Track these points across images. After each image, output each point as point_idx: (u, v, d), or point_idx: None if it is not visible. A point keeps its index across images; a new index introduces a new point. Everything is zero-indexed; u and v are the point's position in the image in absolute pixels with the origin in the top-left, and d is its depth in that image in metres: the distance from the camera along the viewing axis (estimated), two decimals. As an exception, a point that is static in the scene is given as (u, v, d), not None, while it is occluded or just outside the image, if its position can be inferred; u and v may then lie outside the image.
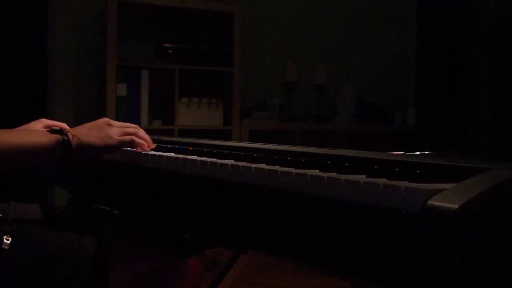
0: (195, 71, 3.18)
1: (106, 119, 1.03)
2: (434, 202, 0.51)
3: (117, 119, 3.14)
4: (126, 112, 3.01)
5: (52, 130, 0.95)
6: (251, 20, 3.48)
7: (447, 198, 0.51)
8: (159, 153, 1.01)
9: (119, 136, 1.02)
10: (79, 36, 3.19)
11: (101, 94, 3.01)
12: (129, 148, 1.07)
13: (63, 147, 0.93)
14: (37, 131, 0.97)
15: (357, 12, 3.92)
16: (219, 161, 0.81)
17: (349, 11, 3.91)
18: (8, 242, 0.91)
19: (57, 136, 0.94)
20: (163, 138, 1.38)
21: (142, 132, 1.08)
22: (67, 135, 0.94)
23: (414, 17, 4.14)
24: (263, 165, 0.75)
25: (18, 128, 1.13)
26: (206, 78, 3.31)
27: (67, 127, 1.19)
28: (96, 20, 3.18)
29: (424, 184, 0.57)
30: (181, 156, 0.91)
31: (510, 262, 0.56)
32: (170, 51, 3.12)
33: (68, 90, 3.17)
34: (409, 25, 4.14)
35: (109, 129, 1.01)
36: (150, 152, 1.03)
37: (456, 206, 0.50)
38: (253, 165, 0.74)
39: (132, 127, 1.07)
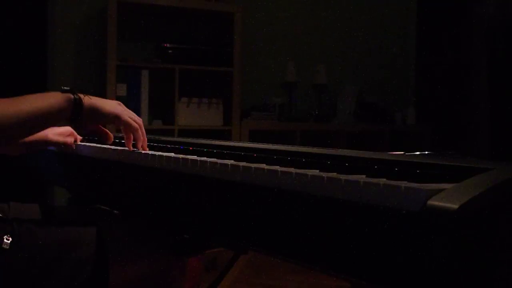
0: (195, 71, 3.18)
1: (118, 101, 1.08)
2: (434, 202, 0.51)
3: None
4: (126, 112, 3.01)
5: (63, 90, 0.98)
6: (251, 20, 3.48)
7: (447, 198, 0.51)
8: (159, 153, 1.01)
9: (128, 116, 1.05)
10: (79, 36, 3.19)
11: (101, 94, 3.00)
12: (125, 148, 1.07)
13: (74, 105, 0.97)
14: (49, 93, 1.00)
15: (357, 12, 3.92)
16: (219, 161, 0.81)
17: (349, 11, 3.91)
18: (9, 242, 0.91)
19: (68, 95, 0.97)
20: (163, 138, 1.38)
21: (143, 131, 1.10)
22: (77, 95, 0.98)
23: (414, 17, 4.14)
24: (263, 165, 0.75)
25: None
26: (206, 78, 3.31)
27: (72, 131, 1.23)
28: (96, 20, 3.18)
29: (424, 184, 0.57)
30: (181, 156, 0.91)
31: (510, 262, 0.56)
32: (170, 51, 3.12)
33: (68, 90, 3.16)
34: (409, 25, 4.14)
35: (121, 105, 1.06)
36: (150, 152, 1.03)
37: (456, 206, 0.50)
38: (253, 165, 0.74)
39: (139, 121, 1.08)
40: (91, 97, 1.01)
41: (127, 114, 1.05)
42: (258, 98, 3.52)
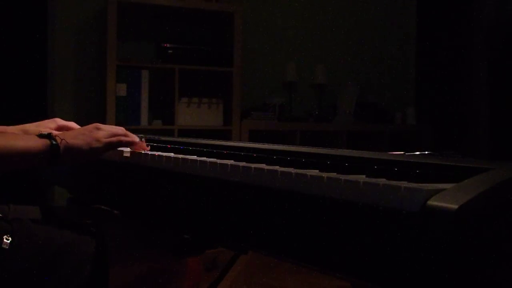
0: (195, 71, 3.18)
1: (96, 124, 1.06)
2: (434, 202, 0.51)
3: (117, 119, 3.10)
4: (126, 112, 3.01)
5: (40, 135, 0.96)
6: (251, 20, 3.48)
7: (447, 198, 0.51)
8: (159, 153, 1.01)
9: (106, 138, 1.03)
10: (79, 36, 3.19)
11: (101, 94, 3.01)
12: (123, 149, 1.07)
13: (51, 151, 0.95)
14: (26, 135, 0.99)
15: (357, 12, 3.92)
16: (219, 161, 0.81)
17: (349, 11, 3.91)
18: (8, 241, 0.91)
19: (46, 141, 0.95)
20: (163, 138, 1.38)
21: (131, 135, 1.09)
22: (55, 140, 0.96)
23: (414, 17, 4.14)
24: (263, 165, 0.75)
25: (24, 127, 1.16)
26: (206, 78, 3.31)
27: (76, 126, 1.21)
28: (96, 20, 3.18)
29: (424, 184, 0.57)
30: (181, 156, 0.91)
31: (510, 262, 0.56)
32: (170, 51, 3.12)
33: (68, 90, 3.17)
34: (409, 25, 4.14)
35: (96, 133, 1.03)
36: (150, 152, 1.03)
37: (456, 206, 0.50)
38: (253, 165, 0.74)
39: (119, 130, 1.07)
40: (68, 135, 0.99)
41: (104, 135, 1.03)
42: (258, 98, 3.52)
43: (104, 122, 1.17)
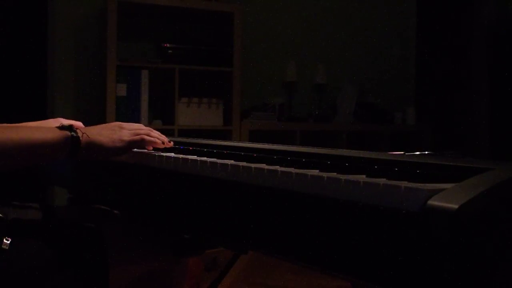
0: (195, 71, 3.18)
1: (119, 122, 1.04)
2: (434, 202, 0.51)
3: (117, 119, 3.10)
4: (126, 112, 3.01)
5: (61, 127, 0.94)
6: (251, 20, 3.48)
7: (447, 198, 0.51)
8: (159, 153, 1.01)
9: (129, 137, 1.01)
10: (79, 36, 3.19)
11: (101, 94, 3.01)
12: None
13: (72, 144, 0.93)
14: (45, 127, 0.96)
15: (357, 12, 3.92)
16: (219, 161, 0.81)
17: (349, 11, 3.91)
18: (8, 242, 0.91)
19: (66, 133, 0.93)
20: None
21: (155, 133, 1.08)
22: (76, 132, 0.93)
23: (414, 17, 4.14)
24: (263, 165, 0.75)
25: (26, 124, 1.15)
26: (206, 78, 3.31)
27: (82, 126, 1.20)
28: (96, 20, 3.18)
29: (424, 184, 0.57)
30: (181, 156, 0.91)
31: (510, 262, 0.56)
32: (170, 51, 3.12)
33: (68, 90, 3.17)
34: (409, 25, 4.14)
35: (120, 131, 1.01)
36: (150, 152, 1.03)
37: (456, 206, 0.50)
38: (253, 165, 0.74)
39: (144, 128, 1.06)
40: (91, 131, 0.96)
41: (127, 134, 1.01)
42: (258, 98, 3.52)
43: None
